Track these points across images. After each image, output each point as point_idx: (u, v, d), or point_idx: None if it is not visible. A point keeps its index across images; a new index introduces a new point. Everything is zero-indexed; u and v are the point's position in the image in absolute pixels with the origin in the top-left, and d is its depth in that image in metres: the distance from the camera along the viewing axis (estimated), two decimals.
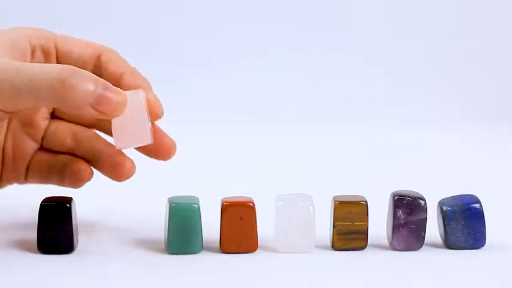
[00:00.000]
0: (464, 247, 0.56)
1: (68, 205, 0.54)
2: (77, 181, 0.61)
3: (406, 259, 0.55)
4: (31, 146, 0.62)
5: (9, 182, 0.63)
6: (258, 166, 0.94)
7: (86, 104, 0.53)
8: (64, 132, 0.62)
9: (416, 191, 0.57)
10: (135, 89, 0.58)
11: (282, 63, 1.34)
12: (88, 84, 0.53)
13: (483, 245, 0.57)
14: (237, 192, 0.58)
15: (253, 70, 1.32)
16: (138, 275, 0.52)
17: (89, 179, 0.61)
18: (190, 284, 0.51)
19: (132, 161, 0.61)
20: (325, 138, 1.14)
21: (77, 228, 0.56)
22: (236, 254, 0.55)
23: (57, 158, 0.62)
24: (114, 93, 0.54)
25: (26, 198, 0.66)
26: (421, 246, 0.56)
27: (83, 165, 0.61)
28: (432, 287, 0.50)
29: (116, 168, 0.61)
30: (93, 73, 0.56)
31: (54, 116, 0.63)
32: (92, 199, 0.66)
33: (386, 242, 0.57)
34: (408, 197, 0.56)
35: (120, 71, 0.60)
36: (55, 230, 0.54)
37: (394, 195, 0.56)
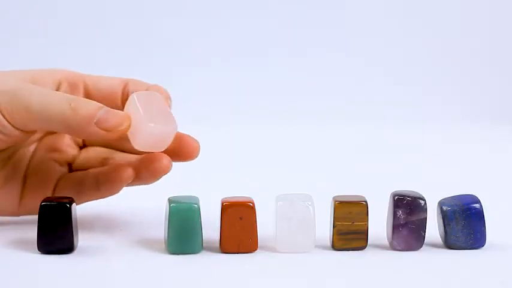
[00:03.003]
0: (464, 247, 0.56)
1: (68, 205, 0.54)
2: (117, 183, 0.62)
3: (406, 259, 0.55)
4: (57, 170, 0.63)
5: (34, 196, 0.62)
6: (258, 166, 0.94)
7: (91, 122, 0.55)
8: (95, 154, 0.64)
9: (416, 191, 0.57)
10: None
11: (282, 63, 1.34)
12: (92, 106, 0.56)
13: (483, 245, 0.57)
14: (237, 192, 0.58)
15: (253, 70, 1.32)
16: (138, 275, 0.52)
17: (130, 180, 0.62)
18: (190, 284, 0.51)
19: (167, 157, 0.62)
20: (325, 138, 1.14)
21: (77, 228, 0.56)
22: (236, 254, 0.55)
23: (88, 172, 0.63)
24: (116, 112, 0.56)
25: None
26: (421, 246, 0.56)
27: (121, 167, 0.62)
28: (432, 287, 0.50)
29: (154, 163, 0.61)
30: (122, 99, 0.61)
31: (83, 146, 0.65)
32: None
33: (386, 242, 0.57)
34: (408, 197, 0.56)
35: (145, 87, 0.61)
36: (55, 230, 0.54)
37: (394, 195, 0.56)
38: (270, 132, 1.16)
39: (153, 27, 1.33)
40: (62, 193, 0.62)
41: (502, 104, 1.34)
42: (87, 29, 1.32)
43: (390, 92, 1.33)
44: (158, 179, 0.62)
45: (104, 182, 0.62)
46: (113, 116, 0.56)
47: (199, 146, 0.63)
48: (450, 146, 1.10)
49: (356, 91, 1.32)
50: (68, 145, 0.64)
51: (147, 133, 0.56)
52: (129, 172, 0.61)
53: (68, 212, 0.54)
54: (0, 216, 0.62)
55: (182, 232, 0.55)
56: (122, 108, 0.59)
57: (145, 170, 0.61)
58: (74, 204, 0.55)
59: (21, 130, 0.58)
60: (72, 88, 0.62)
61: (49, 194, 0.62)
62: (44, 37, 1.31)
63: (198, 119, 1.22)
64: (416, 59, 1.36)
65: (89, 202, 0.64)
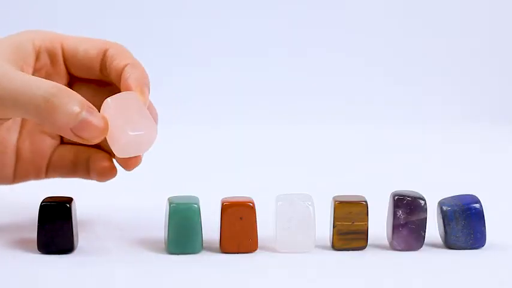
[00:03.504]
0: (464, 247, 0.56)
1: (68, 205, 0.54)
2: (103, 178, 0.61)
3: (406, 259, 0.55)
4: (49, 143, 0.62)
5: (27, 178, 0.63)
6: (258, 166, 0.94)
7: (67, 128, 0.53)
8: None
9: (416, 191, 0.57)
10: (127, 80, 0.57)
11: (282, 63, 1.34)
12: (72, 107, 0.53)
13: (483, 245, 0.57)
14: (237, 192, 0.58)
15: (253, 70, 1.32)
16: (138, 275, 0.52)
17: (114, 176, 0.61)
18: (190, 284, 0.51)
19: None
20: (325, 138, 1.14)
21: (77, 228, 0.56)
22: (236, 254, 0.55)
23: (79, 153, 0.62)
24: (95, 120, 0.53)
25: (26, 198, 0.66)
26: (421, 246, 0.56)
27: (106, 162, 0.61)
28: (432, 287, 0.50)
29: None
30: (100, 69, 0.58)
31: None
32: (92, 199, 0.66)
33: (386, 242, 0.57)
34: (408, 197, 0.56)
35: (122, 64, 0.58)
36: (55, 230, 0.54)
37: (394, 195, 0.56)
38: (270, 132, 1.16)
39: (153, 27, 1.33)
40: (53, 169, 0.62)
41: (502, 104, 1.34)
42: (87, 29, 1.32)
43: (390, 92, 1.33)
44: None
45: (92, 170, 0.62)
46: (89, 127, 0.53)
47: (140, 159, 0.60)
48: (450, 146, 1.10)
49: (356, 91, 1.32)
50: None
51: (126, 142, 0.54)
52: (112, 170, 0.60)
53: (68, 212, 0.54)
54: None
55: (182, 232, 0.55)
56: (100, 75, 0.59)
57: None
58: (74, 204, 0.55)
59: None
60: (52, 58, 0.60)
61: (43, 170, 0.62)
62: None
63: (198, 119, 1.22)
64: (416, 59, 1.36)
65: (88, 202, 0.64)
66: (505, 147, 1.11)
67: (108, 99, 0.55)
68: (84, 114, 0.53)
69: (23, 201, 0.68)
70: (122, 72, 0.58)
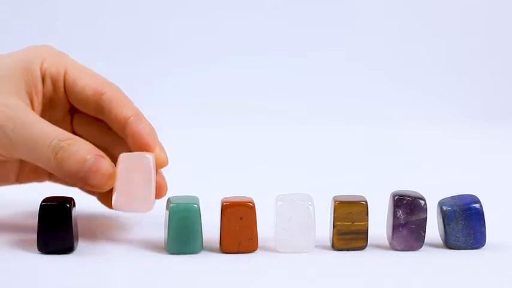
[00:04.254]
0: (464, 247, 0.56)
1: (68, 205, 0.54)
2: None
3: (406, 259, 0.55)
4: None
5: (29, 182, 0.64)
6: (258, 166, 0.94)
7: (76, 178, 0.55)
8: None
9: (416, 191, 0.57)
10: (139, 137, 0.58)
11: (282, 63, 1.34)
12: (79, 157, 0.55)
13: (483, 245, 0.57)
14: (237, 192, 0.58)
15: (253, 70, 1.32)
16: (138, 275, 0.52)
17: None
18: (190, 284, 0.51)
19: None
20: (325, 138, 1.14)
21: (76, 228, 0.56)
22: (236, 254, 0.55)
23: None
24: (103, 167, 0.55)
25: (26, 198, 0.66)
26: (421, 246, 0.56)
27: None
28: (432, 287, 0.50)
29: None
30: (96, 109, 0.59)
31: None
32: (92, 199, 0.66)
33: (386, 242, 0.57)
34: (408, 197, 0.56)
35: (124, 115, 0.59)
36: (55, 230, 0.54)
37: (394, 195, 0.56)
38: (270, 132, 1.16)
39: (154, 27, 1.33)
40: (58, 179, 0.63)
41: (502, 103, 1.34)
42: (86, 28, 1.32)
43: (390, 92, 1.33)
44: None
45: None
46: (96, 176, 0.55)
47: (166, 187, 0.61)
48: (450, 146, 1.10)
49: (356, 91, 1.32)
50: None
51: (117, 207, 0.56)
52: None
53: (68, 212, 0.54)
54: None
55: (182, 232, 0.55)
56: (95, 113, 0.59)
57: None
58: (74, 204, 0.55)
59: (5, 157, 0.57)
60: (54, 85, 0.60)
61: (46, 176, 0.63)
62: (43, 37, 1.31)
63: (198, 119, 1.22)
64: (417, 59, 1.36)
65: (89, 202, 0.64)
66: (505, 147, 1.11)
67: (122, 155, 0.56)
68: (91, 162, 0.55)
69: (23, 201, 0.68)
70: (125, 124, 0.59)
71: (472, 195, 0.57)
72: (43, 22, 1.32)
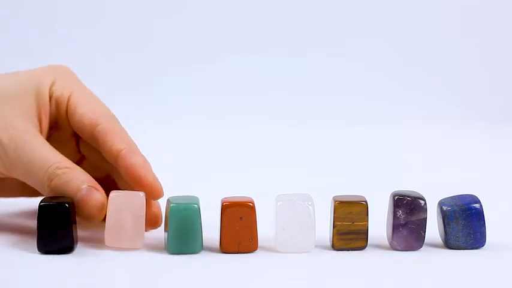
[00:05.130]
0: (464, 247, 0.56)
1: (67, 205, 0.54)
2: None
3: (406, 259, 0.55)
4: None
5: (35, 195, 0.64)
6: (258, 166, 0.94)
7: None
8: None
9: (416, 191, 0.57)
10: (132, 169, 0.58)
11: (282, 63, 1.34)
12: (71, 188, 0.56)
13: (483, 245, 0.57)
14: (237, 192, 0.58)
15: (253, 70, 1.32)
16: (138, 275, 0.52)
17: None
18: (190, 284, 0.51)
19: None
20: (325, 138, 1.14)
21: (76, 228, 0.56)
22: (236, 254, 0.55)
23: None
24: (94, 197, 0.56)
25: (26, 198, 0.66)
26: (421, 246, 0.56)
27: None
28: (432, 287, 0.50)
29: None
30: (91, 140, 0.60)
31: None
32: None
33: (386, 242, 0.57)
34: (408, 197, 0.56)
35: (116, 147, 0.59)
36: (55, 230, 0.54)
37: (394, 195, 0.56)
38: (270, 133, 1.16)
39: (154, 27, 1.33)
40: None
41: (502, 103, 1.34)
42: (86, 28, 1.32)
43: (390, 92, 1.33)
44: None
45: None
46: (87, 207, 0.56)
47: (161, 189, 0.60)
48: (450, 146, 1.10)
49: (356, 91, 1.32)
50: (75, 152, 0.63)
51: (112, 242, 0.56)
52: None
53: (68, 212, 0.54)
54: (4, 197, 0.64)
55: (182, 232, 0.55)
56: (91, 142, 0.60)
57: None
58: (73, 204, 0.55)
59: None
60: (57, 108, 0.61)
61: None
62: (43, 37, 1.31)
63: (198, 119, 1.22)
64: (417, 59, 1.36)
65: None
66: (505, 147, 1.11)
67: (113, 194, 0.56)
68: (83, 192, 0.56)
69: (23, 201, 0.68)
70: (117, 156, 0.59)
71: (472, 195, 0.57)
72: (43, 22, 1.32)
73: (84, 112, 0.60)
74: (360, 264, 0.54)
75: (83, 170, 0.57)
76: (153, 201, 0.60)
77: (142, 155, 0.59)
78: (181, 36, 1.33)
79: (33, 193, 0.64)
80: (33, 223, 0.56)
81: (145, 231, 0.57)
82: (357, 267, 0.53)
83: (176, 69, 1.31)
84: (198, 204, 0.55)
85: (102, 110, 0.61)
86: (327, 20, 1.35)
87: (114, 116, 0.61)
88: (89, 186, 0.56)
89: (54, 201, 0.54)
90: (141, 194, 0.56)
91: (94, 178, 0.58)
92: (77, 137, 0.63)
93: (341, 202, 0.56)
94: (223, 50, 1.34)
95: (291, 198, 0.56)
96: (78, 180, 0.56)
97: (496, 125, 1.27)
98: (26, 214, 0.66)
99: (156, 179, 0.59)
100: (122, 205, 0.55)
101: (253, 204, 0.55)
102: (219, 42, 1.33)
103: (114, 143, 0.59)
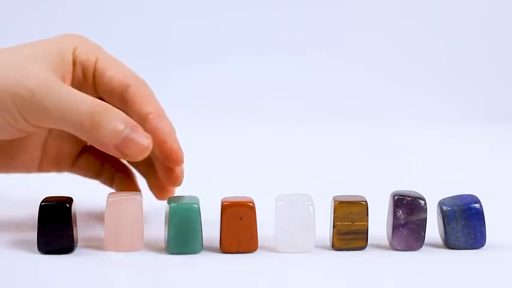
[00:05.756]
0: (464, 247, 0.56)
1: (68, 205, 0.54)
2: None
3: (406, 259, 0.55)
4: (76, 147, 0.63)
5: (49, 171, 0.64)
6: (258, 166, 0.94)
7: (111, 144, 0.54)
8: None
9: (416, 191, 0.57)
10: (158, 133, 0.58)
11: (282, 63, 1.34)
12: (116, 124, 0.54)
13: (483, 245, 0.57)
14: (237, 192, 0.58)
15: (253, 70, 1.32)
16: (138, 275, 0.52)
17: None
18: (190, 284, 0.51)
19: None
20: (325, 138, 1.14)
21: (76, 228, 0.56)
22: (236, 254, 0.55)
23: (104, 167, 0.64)
24: (139, 138, 0.55)
25: (26, 198, 0.66)
26: (421, 246, 0.56)
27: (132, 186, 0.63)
28: (432, 287, 0.50)
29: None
30: (120, 102, 0.59)
31: None
32: (92, 199, 0.66)
33: (386, 242, 0.57)
34: (408, 197, 0.56)
35: (145, 110, 0.59)
36: (55, 230, 0.54)
37: (394, 195, 0.56)
38: (270, 132, 1.16)
39: (154, 27, 1.33)
40: (77, 170, 0.63)
41: (502, 103, 1.34)
42: (85, 28, 1.32)
43: (390, 92, 1.33)
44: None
45: (116, 186, 0.64)
46: (132, 144, 0.55)
47: (182, 154, 0.61)
48: (450, 146, 1.10)
49: (356, 91, 1.32)
50: None
51: (112, 246, 0.56)
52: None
53: (68, 212, 0.54)
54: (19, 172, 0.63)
55: (182, 232, 0.55)
56: (119, 105, 0.59)
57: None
58: (73, 204, 0.55)
59: (35, 126, 0.57)
60: (84, 73, 0.60)
61: (66, 167, 0.63)
62: (43, 37, 1.31)
63: (198, 119, 1.22)
64: (417, 59, 1.36)
65: (89, 202, 0.64)
66: (505, 147, 1.11)
67: (110, 196, 0.56)
68: (127, 131, 0.55)
69: (23, 201, 0.68)
70: (145, 119, 0.59)
71: (472, 195, 0.57)
72: (43, 22, 1.32)
73: (112, 74, 0.60)
74: (360, 264, 0.54)
75: (119, 110, 0.56)
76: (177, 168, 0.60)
77: (169, 121, 0.60)
78: (181, 36, 1.33)
79: (58, 165, 0.63)
80: (33, 223, 0.56)
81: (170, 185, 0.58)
82: (357, 267, 0.53)
83: (176, 69, 1.31)
84: (198, 204, 0.55)
85: (130, 73, 0.61)
86: (327, 20, 1.35)
87: (143, 79, 0.61)
88: (132, 125, 0.55)
89: (54, 201, 0.54)
90: (138, 196, 0.56)
91: None
92: None
93: (341, 202, 0.56)
94: (223, 50, 1.33)
95: (291, 198, 0.56)
96: (120, 119, 0.55)
97: (496, 125, 1.27)
98: (26, 214, 0.66)
99: (178, 146, 0.59)
100: (120, 209, 0.55)
101: (253, 204, 0.55)
102: (219, 42, 1.33)
103: (143, 106, 0.59)
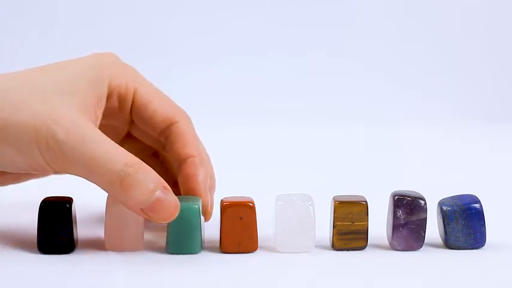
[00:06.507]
0: (464, 247, 0.56)
1: (68, 205, 0.54)
2: None
3: (406, 259, 0.55)
4: None
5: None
6: (258, 166, 0.94)
7: (138, 208, 0.52)
8: None
9: (416, 191, 0.57)
10: (192, 179, 0.57)
11: (281, 63, 1.34)
12: (145, 189, 0.51)
13: (483, 245, 0.57)
14: (237, 192, 0.58)
15: (253, 71, 1.32)
16: (138, 275, 0.52)
17: None
18: (191, 284, 0.50)
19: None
20: (325, 138, 1.14)
21: (77, 228, 0.56)
22: (236, 254, 0.55)
23: None
24: (168, 201, 0.52)
25: (26, 198, 0.66)
26: (421, 246, 0.56)
27: None
28: (432, 287, 0.50)
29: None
30: (159, 136, 0.58)
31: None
32: (92, 199, 0.66)
33: (386, 242, 0.57)
34: (408, 197, 0.56)
35: (187, 152, 0.58)
36: (55, 230, 0.54)
37: (394, 195, 0.56)
38: (270, 132, 1.16)
39: (154, 27, 1.33)
40: None
41: (502, 103, 1.34)
42: (85, 28, 1.32)
43: (390, 92, 1.33)
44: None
45: None
46: (161, 208, 0.52)
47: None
48: (450, 146, 1.10)
49: (356, 91, 1.32)
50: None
51: (113, 246, 0.55)
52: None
53: (68, 211, 0.54)
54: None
55: (182, 232, 0.55)
56: (155, 139, 0.59)
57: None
58: (74, 204, 0.55)
59: (58, 173, 0.55)
60: (121, 104, 0.58)
61: None
62: (43, 37, 1.32)
63: (198, 119, 1.22)
64: (417, 59, 1.36)
65: (88, 202, 0.64)
66: (505, 147, 1.11)
67: (110, 199, 0.55)
68: (157, 194, 0.52)
69: (23, 201, 0.68)
70: (183, 160, 0.58)
71: (472, 195, 0.57)
72: (43, 22, 1.32)
73: (155, 108, 0.58)
74: (360, 264, 0.54)
75: (152, 168, 0.52)
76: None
77: (208, 170, 0.59)
78: (181, 36, 1.33)
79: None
80: (33, 223, 0.56)
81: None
82: (357, 267, 0.53)
83: (176, 69, 1.31)
84: (198, 204, 0.55)
85: (175, 107, 0.60)
86: (327, 20, 1.35)
87: (186, 114, 0.60)
88: (162, 187, 0.52)
89: (54, 201, 0.54)
90: None
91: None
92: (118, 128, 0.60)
93: (341, 202, 0.56)
94: (223, 50, 1.33)
95: (291, 198, 0.56)
96: (151, 181, 0.51)
97: (496, 125, 1.27)
98: (26, 214, 0.66)
99: (208, 198, 0.58)
100: (120, 209, 0.55)
101: (253, 204, 0.55)
102: (219, 42, 1.33)
103: (186, 147, 0.58)
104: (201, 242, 0.55)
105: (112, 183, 0.51)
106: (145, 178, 0.51)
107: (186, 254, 0.55)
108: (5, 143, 0.52)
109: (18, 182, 0.61)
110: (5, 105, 0.52)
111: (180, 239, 0.55)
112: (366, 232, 0.56)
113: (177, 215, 0.53)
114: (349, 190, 0.59)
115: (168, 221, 0.53)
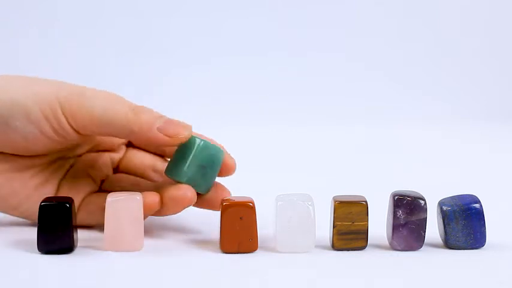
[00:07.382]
0: (464, 247, 0.56)
1: (67, 205, 0.54)
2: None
3: (406, 259, 0.55)
4: (89, 184, 0.62)
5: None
6: (258, 166, 0.94)
7: (153, 128, 0.57)
8: (127, 178, 0.64)
9: (416, 191, 0.57)
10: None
11: (281, 64, 1.34)
12: (153, 112, 0.58)
13: (483, 245, 0.57)
14: (237, 192, 0.58)
15: (253, 71, 1.32)
16: (138, 275, 0.52)
17: (156, 207, 0.59)
18: (191, 284, 0.51)
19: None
20: (325, 138, 1.14)
21: (76, 228, 0.56)
22: (236, 254, 0.55)
23: None
24: (177, 122, 0.58)
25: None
26: (421, 246, 0.56)
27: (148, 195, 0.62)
28: (432, 287, 0.50)
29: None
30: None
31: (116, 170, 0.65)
32: None
33: (386, 242, 0.57)
34: (408, 197, 0.56)
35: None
36: (55, 230, 0.54)
37: (394, 195, 0.56)
38: (270, 133, 1.16)
39: (154, 27, 1.33)
40: (87, 209, 0.61)
41: (502, 103, 1.34)
42: (87, 29, 1.32)
43: (390, 92, 1.33)
44: (181, 210, 0.59)
45: None
46: (174, 124, 0.58)
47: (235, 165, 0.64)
48: (450, 146, 1.10)
49: (356, 91, 1.32)
50: (105, 164, 0.63)
51: (112, 246, 0.56)
52: (155, 199, 0.59)
53: (68, 212, 0.54)
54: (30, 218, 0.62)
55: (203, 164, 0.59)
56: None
57: (170, 199, 0.59)
58: (73, 204, 0.55)
59: (80, 133, 0.58)
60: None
61: (76, 204, 0.61)
62: (43, 37, 1.32)
63: (198, 119, 1.22)
64: (417, 59, 1.36)
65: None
66: (505, 147, 1.11)
67: (110, 196, 0.56)
68: (165, 118, 0.58)
69: None
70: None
71: (472, 195, 0.57)
72: (43, 22, 1.32)
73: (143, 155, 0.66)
74: (360, 264, 0.54)
75: None
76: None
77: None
78: (181, 36, 1.33)
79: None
80: (33, 223, 0.56)
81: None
82: (357, 267, 0.53)
83: (176, 69, 1.31)
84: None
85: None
86: (327, 20, 1.35)
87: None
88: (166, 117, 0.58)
89: (54, 201, 0.54)
90: (138, 196, 0.56)
91: None
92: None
93: (341, 202, 0.56)
94: (223, 50, 1.34)
95: (291, 198, 0.56)
96: (156, 112, 0.58)
97: (496, 125, 1.27)
98: None
99: (233, 160, 0.66)
100: (119, 210, 0.55)
101: (253, 204, 0.55)
102: (219, 42, 1.33)
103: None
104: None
105: (127, 115, 0.57)
106: (150, 109, 0.58)
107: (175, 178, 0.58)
108: (27, 115, 0.57)
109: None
110: (11, 85, 0.58)
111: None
112: (366, 232, 0.56)
113: (191, 130, 0.59)
114: (349, 190, 0.59)
115: (184, 138, 0.58)
